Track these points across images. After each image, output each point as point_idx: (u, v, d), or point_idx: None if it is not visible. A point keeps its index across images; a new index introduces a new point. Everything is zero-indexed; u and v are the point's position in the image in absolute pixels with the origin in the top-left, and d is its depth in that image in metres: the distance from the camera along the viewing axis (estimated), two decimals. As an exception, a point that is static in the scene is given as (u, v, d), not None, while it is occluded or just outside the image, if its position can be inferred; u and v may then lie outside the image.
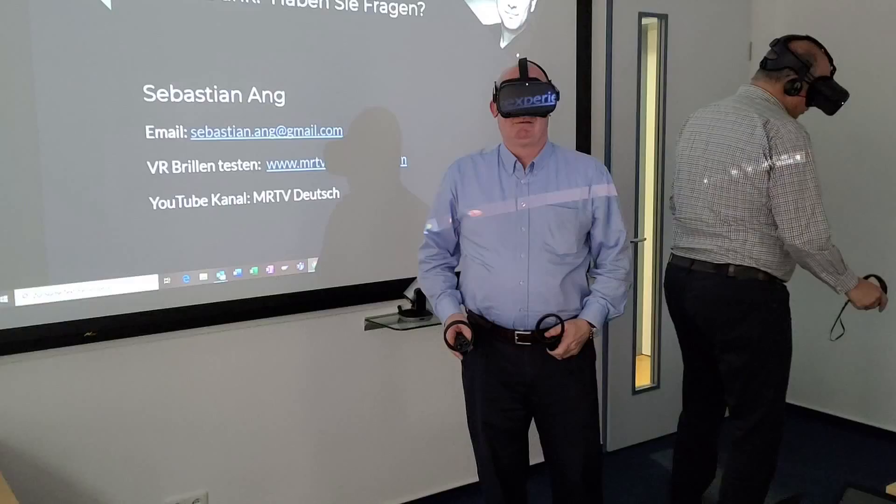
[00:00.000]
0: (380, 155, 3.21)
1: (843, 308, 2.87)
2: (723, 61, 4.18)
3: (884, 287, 2.79)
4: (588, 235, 2.46)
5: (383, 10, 3.13)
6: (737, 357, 2.76)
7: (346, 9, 3.04)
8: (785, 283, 2.77)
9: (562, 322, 2.34)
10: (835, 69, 2.82)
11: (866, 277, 2.78)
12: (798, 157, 2.61)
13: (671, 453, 3.16)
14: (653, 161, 4.11)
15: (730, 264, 2.72)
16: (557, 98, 2.35)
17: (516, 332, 2.39)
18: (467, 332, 2.36)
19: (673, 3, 3.97)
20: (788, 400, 4.50)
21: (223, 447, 2.97)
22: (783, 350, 2.80)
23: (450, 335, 2.36)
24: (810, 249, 2.61)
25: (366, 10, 3.09)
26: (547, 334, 2.34)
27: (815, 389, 4.40)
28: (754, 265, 2.69)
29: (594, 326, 2.40)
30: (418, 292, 3.16)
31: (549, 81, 2.38)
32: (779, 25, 4.38)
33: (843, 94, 2.79)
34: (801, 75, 2.74)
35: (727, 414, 2.96)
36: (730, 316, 2.74)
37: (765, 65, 2.84)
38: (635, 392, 4.10)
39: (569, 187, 2.41)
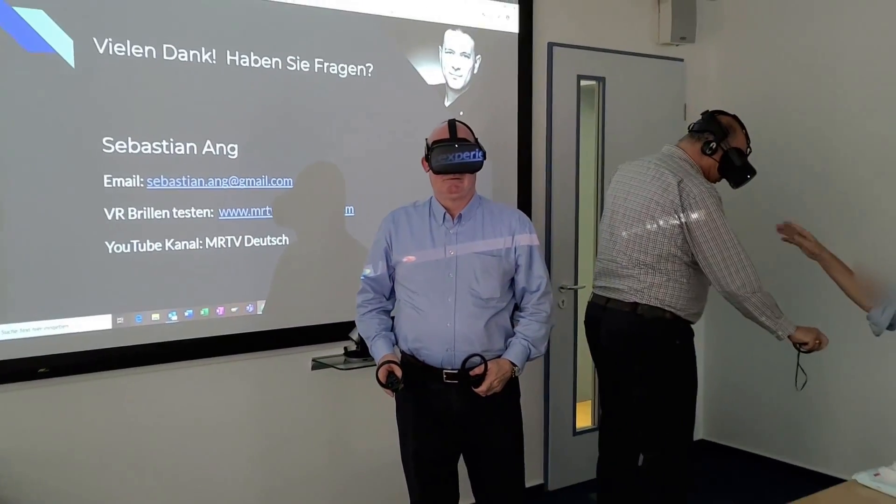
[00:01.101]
0: (326, 204, 3.41)
1: (799, 356, 3.05)
2: (659, 121, 4.45)
3: None
4: (512, 281, 2.66)
5: (333, 70, 3.36)
6: (642, 389, 2.99)
7: (298, 69, 3.27)
8: (691, 324, 3.00)
9: (485, 361, 2.53)
10: (750, 150, 3.11)
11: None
12: (708, 213, 2.88)
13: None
14: (591, 213, 4.35)
15: (638, 303, 2.95)
16: (484, 157, 2.57)
17: (444, 371, 2.57)
18: (398, 371, 2.53)
19: (610, 67, 4.24)
20: (712, 438, 4.73)
21: (172, 482, 3.10)
22: (686, 385, 3.03)
23: (381, 374, 2.54)
24: (744, 293, 2.86)
25: (316, 70, 3.32)
26: (471, 373, 2.52)
27: (739, 428, 4.60)
28: (660, 305, 2.93)
29: (516, 365, 2.59)
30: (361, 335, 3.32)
31: (477, 141, 2.60)
32: (711, 89, 4.69)
33: (750, 169, 3.08)
34: (718, 139, 3.03)
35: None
36: (637, 350, 2.98)
37: (691, 128, 3.14)
38: (576, 433, 4.27)
39: (494, 237, 2.61)
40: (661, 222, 2.91)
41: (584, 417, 4.39)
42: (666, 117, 4.50)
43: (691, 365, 3.01)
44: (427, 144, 2.60)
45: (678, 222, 2.88)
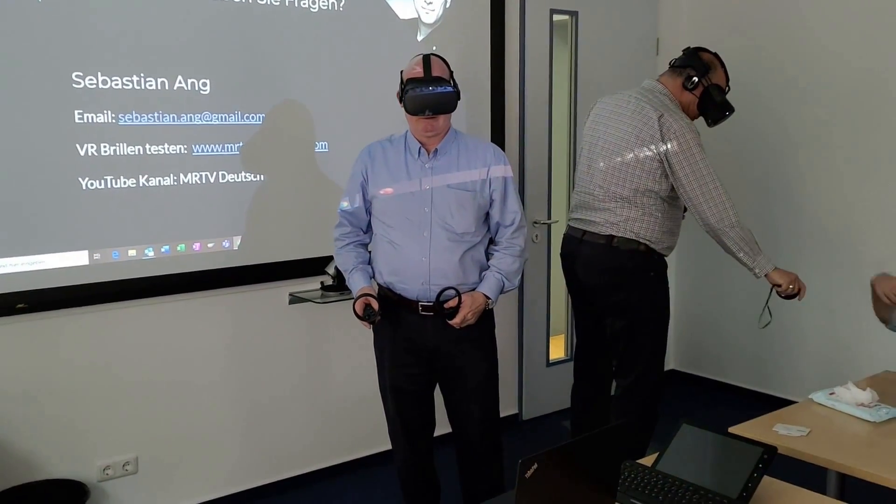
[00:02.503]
0: (299, 140, 3.41)
1: (770, 295, 3.09)
2: (631, 56, 4.46)
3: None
4: (487, 216, 2.70)
5: (304, 4, 3.33)
6: (617, 320, 3.08)
7: (268, 3, 3.23)
8: (664, 257, 3.07)
9: (459, 294, 2.59)
10: (729, 88, 3.14)
11: None
12: (687, 147, 2.91)
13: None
14: (565, 148, 4.39)
15: (614, 236, 3.01)
16: (458, 97, 2.58)
17: (420, 304, 2.63)
18: (374, 304, 2.59)
19: (583, 1, 4.23)
20: (683, 368, 4.87)
21: (152, 414, 3.16)
22: (659, 315, 3.12)
23: (358, 306, 2.59)
24: (722, 226, 2.92)
25: (287, 4, 3.28)
26: (446, 305, 2.59)
27: (705, 358, 4.75)
28: (635, 238, 2.99)
29: (490, 298, 2.66)
30: (338, 268, 3.37)
31: (452, 77, 2.60)
32: (683, 24, 4.70)
33: (729, 106, 3.10)
34: (700, 75, 3.06)
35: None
36: (612, 282, 3.06)
37: (672, 63, 3.16)
38: (549, 364, 4.38)
39: (469, 169, 2.65)
40: (640, 156, 2.95)
41: (557, 349, 4.50)
42: (639, 52, 4.52)
43: (664, 296, 3.10)
44: (401, 79, 2.61)
45: (657, 156, 2.92)
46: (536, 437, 4.12)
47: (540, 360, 4.35)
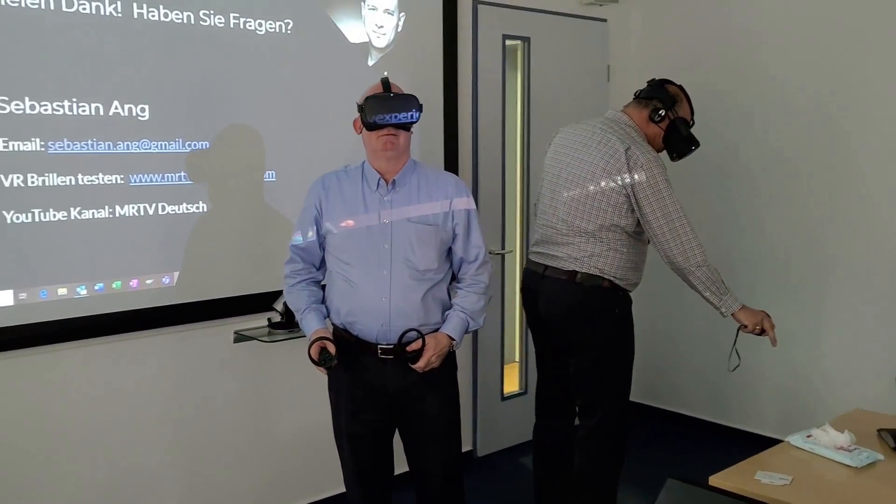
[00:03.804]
0: (246, 169, 3.23)
1: (737, 337, 2.99)
2: (583, 82, 4.41)
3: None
4: (449, 251, 2.56)
5: (250, 26, 3.16)
6: (582, 359, 2.97)
7: (212, 24, 3.05)
8: (629, 293, 2.98)
9: (422, 336, 2.43)
10: (694, 122, 3.07)
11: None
12: (654, 183, 2.81)
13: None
14: (518, 175, 4.29)
15: (577, 271, 2.90)
16: (420, 111, 2.45)
17: (379, 346, 2.47)
18: (331, 348, 2.42)
19: (535, 27, 4.16)
20: (642, 400, 4.80)
21: (87, 465, 2.91)
22: (625, 353, 3.02)
23: (313, 351, 2.41)
24: (689, 266, 2.83)
25: (232, 25, 3.11)
26: (408, 348, 2.43)
27: (666, 390, 4.69)
28: (598, 273, 2.89)
29: (454, 339, 2.51)
30: (287, 305, 3.18)
31: (414, 96, 2.47)
32: (633, 52, 4.66)
33: (694, 140, 3.03)
34: (666, 108, 2.98)
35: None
36: (576, 319, 2.94)
37: (637, 94, 3.07)
38: (504, 398, 4.25)
39: (430, 202, 2.51)
40: (605, 189, 2.84)
41: (512, 382, 4.38)
42: (590, 79, 4.46)
43: (629, 333, 3.00)
44: (359, 104, 2.46)
45: (624, 190, 2.82)
46: (494, 475, 3.98)
47: (494, 394, 4.21)
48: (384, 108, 2.40)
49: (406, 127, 2.45)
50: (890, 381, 3.65)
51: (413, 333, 2.44)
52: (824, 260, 4.01)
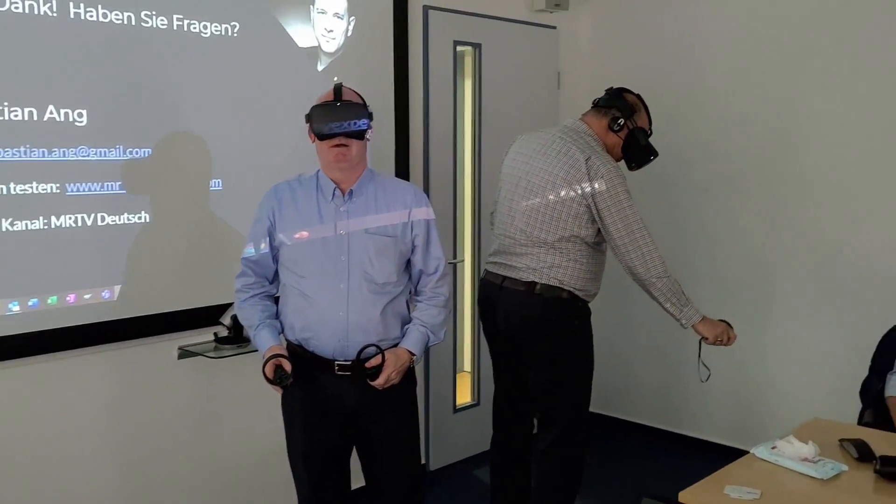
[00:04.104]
0: (190, 177, 3.09)
1: (700, 348, 2.97)
2: (534, 89, 4.38)
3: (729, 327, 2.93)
4: (408, 263, 2.48)
5: (195, 28, 3.02)
6: (542, 371, 2.92)
7: (154, 26, 2.91)
8: (587, 304, 2.94)
9: (382, 352, 2.34)
10: (652, 132, 3.04)
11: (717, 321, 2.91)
12: (615, 193, 2.78)
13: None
14: (469, 183, 4.23)
15: (536, 282, 2.85)
16: (371, 119, 2.34)
17: (336, 363, 2.37)
18: (287, 366, 2.31)
19: (486, 33, 4.11)
20: (596, 409, 4.78)
21: (22, 492, 2.73)
22: (585, 365, 2.98)
23: (268, 369, 2.30)
24: (649, 277, 2.79)
25: (175, 28, 2.97)
26: (367, 365, 2.34)
27: (612, 397, 4.69)
28: (558, 285, 2.84)
29: (414, 354, 2.43)
30: (235, 318, 3.06)
31: (364, 104, 2.38)
32: (583, 58, 4.66)
33: (653, 150, 3.00)
34: (626, 117, 2.94)
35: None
36: (536, 332, 2.89)
37: (596, 103, 3.02)
38: (456, 410, 4.18)
39: (388, 212, 2.42)
40: (565, 199, 2.80)
41: (464, 393, 4.31)
42: (541, 86, 4.44)
43: (589, 344, 2.95)
44: (306, 115, 2.36)
45: (584, 201, 2.78)
46: (448, 489, 3.90)
47: (447, 406, 4.14)
48: (330, 118, 2.30)
49: (358, 136, 2.34)
50: (837, 389, 3.71)
51: (372, 349, 2.35)
52: (771, 270, 4.05)
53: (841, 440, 2.40)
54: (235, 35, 3.15)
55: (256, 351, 2.44)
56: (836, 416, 3.78)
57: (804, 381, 3.98)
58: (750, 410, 4.18)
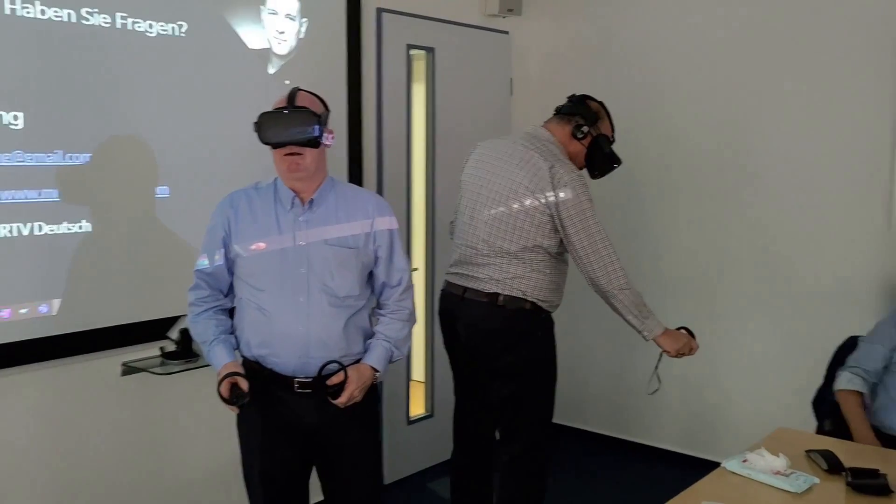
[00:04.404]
0: (135, 184, 2.93)
1: (659, 361, 2.91)
2: (487, 95, 4.32)
3: (691, 335, 2.89)
4: (370, 275, 2.38)
5: (139, 27, 2.87)
6: (505, 384, 2.85)
7: (97, 24, 2.76)
8: (551, 315, 2.88)
9: (344, 368, 2.24)
10: (614, 139, 3.00)
11: (677, 329, 2.87)
12: (579, 203, 2.72)
13: (447, 482, 3.17)
14: (423, 191, 4.15)
15: (499, 294, 2.78)
16: (322, 125, 2.20)
17: (296, 380, 2.26)
18: (243, 384, 2.19)
19: (439, 37, 4.04)
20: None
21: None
22: (548, 377, 2.92)
23: (224, 388, 2.18)
24: (611, 289, 2.73)
25: (119, 25, 2.82)
26: (329, 382, 2.23)
27: (571, 407, 4.66)
28: (521, 296, 2.78)
29: (378, 371, 2.33)
30: (184, 332, 2.91)
31: (321, 112, 2.26)
32: (536, 64, 4.62)
33: (616, 158, 2.96)
34: (589, 124, 2.89)
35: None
36: (499, 344, 2.82)
37: (559, 110, 2.96)
38: (410, 422, 4.09)
39: (349, 222, 2.32)
40: (528, 208, 2.73)
41: (417, 405, 4.22)
42: (494, 91, 4.38)
43: (553, 356, 2.90)
44: (255, 122, 2.24)
45: (548, 210, 2.72)
46: (404, 503, 3.80)
47: (400, 418, 4.04)
48: (277, 125, 2.17)
49: (312, 144, 2.22)
50: (789, 397, 3.75)
51: (334, 365, 2.24)
52: (720, 277, 4.07)
53: (808, 451, 2.39)
54: (183, 35, 3.00)
55: (207, 366, 2.32)
56: (788, 423, 3.83)
57: (755, 389, 4.00)
58: (701, 418, 4.19)
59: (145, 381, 2.95)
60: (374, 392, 2.41)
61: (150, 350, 2.98)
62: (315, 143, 2.21)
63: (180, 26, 3.00)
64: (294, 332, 2.24)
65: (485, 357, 2.85)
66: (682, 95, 4.13)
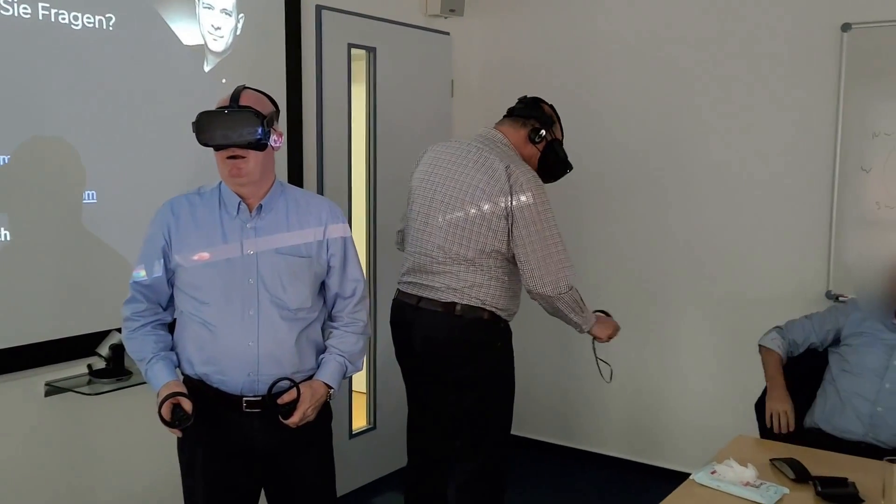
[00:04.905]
0: (59, 188, 2.71)
1: (595, 348, 2.90)
2: (428, 96, 4.22)
3: (609, 316, 2.89)
4: (322, 285, 2.24)
5: (63, 19, 2.66)
6: (463, 397, 2.74)
7: (16, 14, 2.53)
8: (508, 323, 2.79)
9: (297, 386, 2.10)
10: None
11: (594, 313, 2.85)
12: (535, 205, 2.63)
13: (392, 496, 3.06)
14: (364, 195, 4.01)
15: (456, 303, 2.67)
16: (267, 126, 2.05)
17: (244, 399, 2.10)
18: (187, 405, 2.03)
19: (380, 37, 3.91)
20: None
21: None
22: (508, 388, 2.82)
23: (165, 410, 2.01)
24: (558, 293, 2.64)
25: (41, 17, 2.60)
26: (280, 401, 2.08)
27: (516, 416, 4.57)
28: (479, 305, 2.67)
29: (332, 388, 2.19)
30: (114, 348, 2.71)
31: (269, 112, 2.11)
32: (475, 68, 4.54)
33: (569, 164, 2.90)
34: (546, 128, 2.81)
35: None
36: (457, 355, 2.71)
37: (512, 112, 2.87)
38: (352, 436, 3.94)
39: (301, 230, 2.17)
40: (486, 212, 2.62)
41: (360, 417, 4.07)
42: (435, 93, 4.28)
43: (512, 368, 2.80)
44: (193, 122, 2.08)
45: (504, 212, 2.61)
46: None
47: (342, 431, 3.88)
48: (217, 126, 2.02)
49: (256, 147, 2.06)
50: (731, 401, 3.76)
51: (285, 382, 2.09)
52: (661, 285, 4.05)
53: (772, 460, 2.36)
54: (111, 28, 2.80)
55: (141, 384, 2.14)
56: (729, 426, 3.83)
57: (697, 394, 4.00)
58: (645, 424, 4.16)
59: (72, 401, 2.73)
60: (327, 410, 2.28)
61: (77, 368, 2.75)
62: (259, 145, 2.06)
63: (108, 19, 2.79)
64: (242, 347, 2.08)
65: (442, 369, 2.73)
66: (619, 97, 4.10)
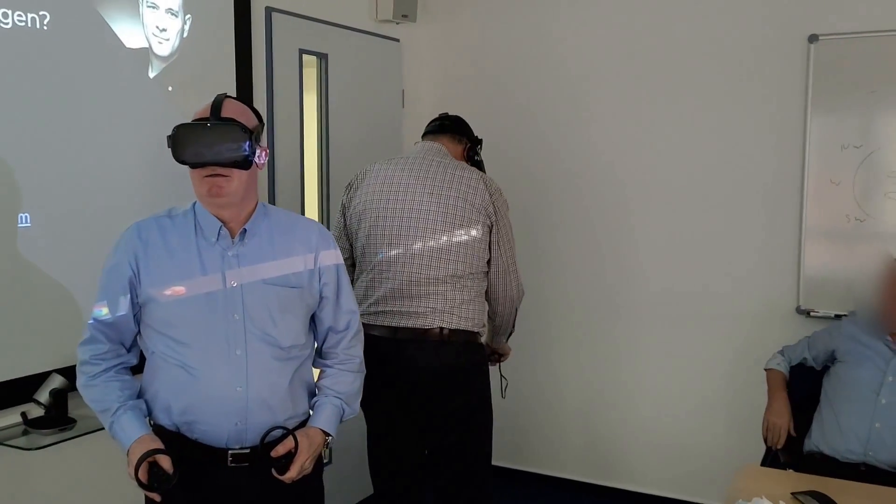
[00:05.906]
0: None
1: (499, 366, 2.95)
2: (380, 106, 4.00)
3: None
4: (312, 318, 1.99)
5: (-8, 16, 2.31)
6: (454, 429, 2.53)
7: (-62, 9, 2.18)
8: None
9: (293, 434, 1.83)
10: None
11: None
12: (506, 214, 2.61)
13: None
14: (316, 208, 3.74)
15: (443, 328, 2.46)
16: (254, 141, 1.83)
17: (230, 452, 1.83)
18: (166, 463, 1.74)
19: (332, 43, 3.67)
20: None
21: None
22: (491, 419, 2.65)
23: (142, 473, 1.71)
24: (520, 294, 2.67)
25: (-33, 13, 2.25)
26: (274, 453, 1.82)
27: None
28: (465, 327, 2.48)
29: (329, 435, 1.94)
30: (55, 394, 2.36)
31: (254, 126, 1.87)
32: (425, 78, 4.33)
33: None
34: (476, 147, 2.83)
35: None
36: (449, 385, 2.50)
37: (446, 128, 2.79)
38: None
39: (289, 257, 1.92)
40: (478, 226, 2.49)
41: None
42: (387, 102, 4.06)
43: (489, 391, 2.64)
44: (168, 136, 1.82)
45: (489, 222, 2.55)
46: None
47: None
48: (198, 142, 1.77)
49: (242, 165, 1.82)
50: (691, 420, 3.67)
51: (278, 431, 1.83)
52: (617, 302, 3.94)
53: (794, 493, 2.22)
54: (45, 28, 2.46)
55: (88, 433, 1.96)
56: (691, 445, 3.75)
57: (656, 413, 3.89)
58: (601, 446, 4.03)
59: (7, 456, 2.36)
60: (319, 459, 2.01)
61: (11, 417, 2.39)
62: (246, 163, 1.80)
63: (42, 17, 2.45)
64: (229, 393, 1.81)
65: (430, 403, 2.49)
66: (576, 108, 3.97)
